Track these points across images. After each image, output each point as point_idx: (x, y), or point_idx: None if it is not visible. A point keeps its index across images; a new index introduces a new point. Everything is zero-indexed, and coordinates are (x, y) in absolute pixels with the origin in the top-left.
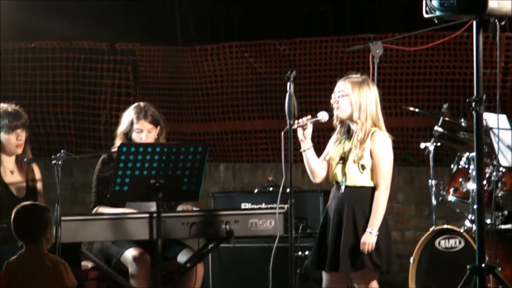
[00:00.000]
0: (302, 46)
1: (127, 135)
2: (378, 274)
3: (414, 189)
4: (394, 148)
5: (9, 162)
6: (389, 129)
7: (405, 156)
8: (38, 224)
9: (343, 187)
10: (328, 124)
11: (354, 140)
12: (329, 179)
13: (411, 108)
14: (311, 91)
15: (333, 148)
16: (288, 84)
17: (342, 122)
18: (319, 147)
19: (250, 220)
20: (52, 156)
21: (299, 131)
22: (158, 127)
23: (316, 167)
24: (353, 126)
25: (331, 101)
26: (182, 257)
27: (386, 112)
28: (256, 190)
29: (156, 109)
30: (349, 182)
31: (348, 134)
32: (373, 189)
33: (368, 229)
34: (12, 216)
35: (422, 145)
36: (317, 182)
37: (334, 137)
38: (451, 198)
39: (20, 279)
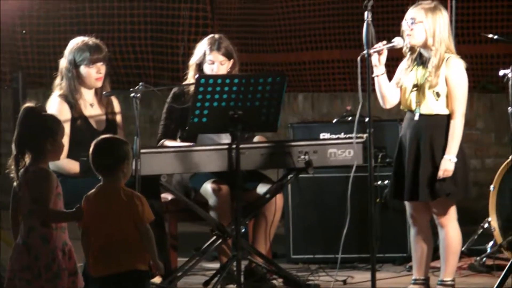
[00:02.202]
0: None
1: (200, 66)
2: (455, 202)
3: (493, 116)
4: (474, 75)
5: (89, 95)
6: (468, 56)
7: (485, 84)
8: (116, 157)
9: (417, 115)
10: (397, 52)
11: (428, 67)
12: (401, 107)
13: (490, 35)
14: (388, 20)
15: (404, 75)
16: (366, 12)
17: (412, 49)
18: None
19: (329, 150)
20: (131, 89)
21: (374, 56)
22: (232, 60)
23: (388, 93)
24: (426, 53)
25: (402, 28)
26: (262, 188)
27: (465, 39)
28: (334, 120)
29: (231, 42)
30: (424, 110)
31: (420, 61)
32: (448, 116)
33: (447, 156)
34: (91, 149)
35: (501, 72)
36: (387, 107)
37: (404, 64)
38: None
39: (97, 212)
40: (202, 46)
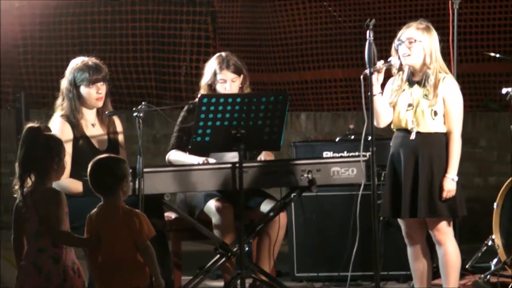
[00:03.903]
0: None
1: (211, 86)
2: (452, 219)
3: (496, 134)
4: (476, 94)
5: (90, 115)
6: (471, 75)
7: (487, 102)
8: (114, 176)
9: (413, 134)
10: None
11: (427, 86)
12: (392, 126)
13: (492, 54)
14: (390, 39)
15: (396, 95)
16: (368, 32)
17: (400, 68)
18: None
19: (332, 168)
20: (134, 109)
21: (373, 76)
22: (242, 76)
23: (383, 112)
24: (419, 72)
25: (396, 47)
26: (265, 207)
27: (468, 58)
28: (337, 139)
29: (238, 58)
30: (422, 129)
31: (415, 80)
32: (445, 135)
33: (449, 176)
34: (89, 169)
35: (504, 91)
36: (381, 127)
37: (395, 84)
38: None
39: (98, 231)
40: (211, 66)
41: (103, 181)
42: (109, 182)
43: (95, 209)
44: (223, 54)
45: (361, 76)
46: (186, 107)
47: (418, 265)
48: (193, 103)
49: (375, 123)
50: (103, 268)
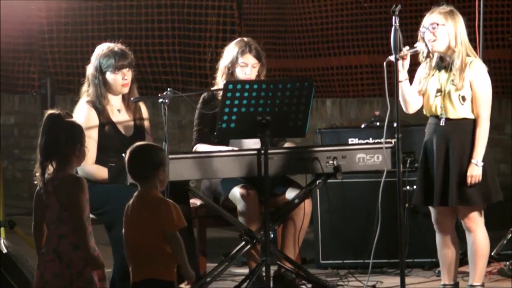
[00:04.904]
0: None
1: (230, 69)
2: (483, 206)
3: None
4: (502, 80)
5: (116, 101)
6: (496, 61)
7: None
8: (152, 164)
9: (443, 120)
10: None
11: (452, 71)
12: (424, 112)
13: None
14: (417, 25)
15: (425, 81)
16: (394, 18)
17: (428, 55)
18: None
19: (357, 155)
20: (159, 95)
21: (398, 62)
22: (260, 64)
23: (411, 98)
24: (447, 57)
25: (421, 35)
26: (290, 194)
27: (494, 44)
28: (363, 125)
29: (258, 45)
30: (451, 115)
31: (442, 65)
32: (474, 121)
33: (473, 161)
34: (127, 156)
35: None
36: (409, 113)
37: (422, 70)
38: None
39: (131, 220)
40: (232, 49)
41: (139, 168)
42: (145, 169)
43: (133, 198)
44: (245, 39)
45: (385, 62)
46: (201, 98)
47: (446, 252)
48: (210, 91)
49: (404, 110)
50: (135, 255)
